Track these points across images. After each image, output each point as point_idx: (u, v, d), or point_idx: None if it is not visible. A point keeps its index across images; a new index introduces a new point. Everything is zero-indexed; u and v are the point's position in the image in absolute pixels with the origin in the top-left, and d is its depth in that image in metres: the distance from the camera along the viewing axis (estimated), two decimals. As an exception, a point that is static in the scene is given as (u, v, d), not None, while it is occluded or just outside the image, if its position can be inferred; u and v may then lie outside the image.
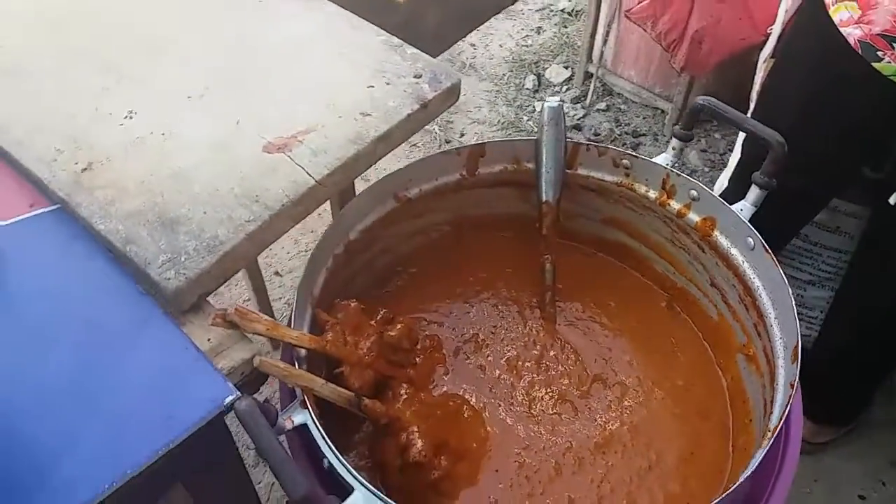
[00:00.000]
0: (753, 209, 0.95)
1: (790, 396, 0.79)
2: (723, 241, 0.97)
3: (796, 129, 0.99)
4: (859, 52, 1.01)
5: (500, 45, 2.85)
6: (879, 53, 0.99)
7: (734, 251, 0.96)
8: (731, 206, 0.94)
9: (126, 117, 0.92)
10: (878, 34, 0.99)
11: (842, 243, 1.49)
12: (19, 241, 0.83)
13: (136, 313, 0.78)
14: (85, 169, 0.86)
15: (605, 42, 2.37)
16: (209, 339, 0.77)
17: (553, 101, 1.01)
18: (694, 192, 0.98)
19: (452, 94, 1.00)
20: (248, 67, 1.01)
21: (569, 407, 0.99)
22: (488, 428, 0.97)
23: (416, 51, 1.03)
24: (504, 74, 2.77)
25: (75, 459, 0.67)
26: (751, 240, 0.92)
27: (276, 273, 2.30)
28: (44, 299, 0.79)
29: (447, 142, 2.49)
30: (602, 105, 2.62)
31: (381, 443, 0.89)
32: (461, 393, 1.00)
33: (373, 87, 0.97)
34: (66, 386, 0.72)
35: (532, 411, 0.99)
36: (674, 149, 1.01)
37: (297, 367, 0.82)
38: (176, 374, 0.73)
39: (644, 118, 2.58)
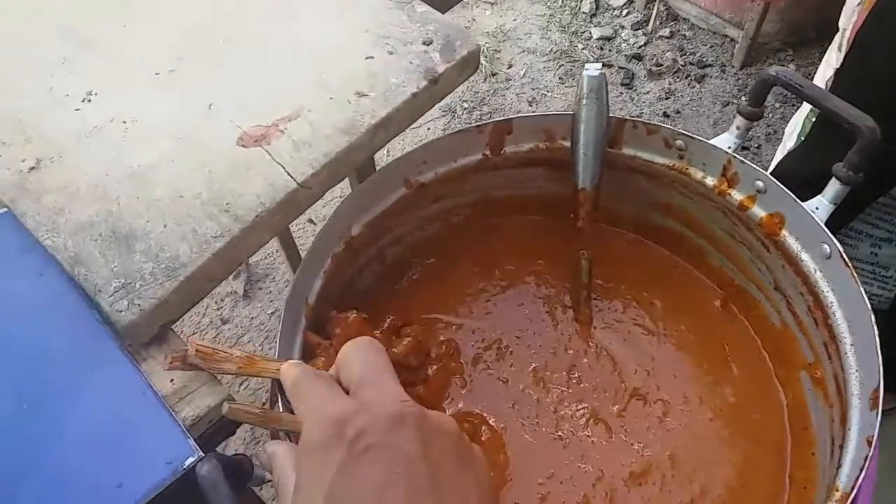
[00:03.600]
0: (832, 207, 0.78)
1: (867, 458, 0.64)
2: (792, 243, 0.81)
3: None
4: None
5: (553, -37, 2.60)
6: None
7: (805, 256, 0.79)
8: (804, 204, 0.77)
9: (84, 101, 0.79)
10: None
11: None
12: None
13: (89, 347, 0.67)
14: (33, 168, 0.74)
15: (668, -40, 2.10)
16: (172, 381, 0.66)
17: (593, 68, 0.83)
18: (760, 183, 0.81)
19: (469, 65, 0.83)
20: (230, 31, 0.86)
21: (602, 428, 0.87)
22: (508, 453, 0.85)
23: (427, 8, 0.86)
24: (557, -4, 2.53)
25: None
26: (827, 247, 0.76)
27: (310, 220, 2.20)
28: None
29: (493, 74, 2.30)
30: (665, 32, 2.38)
31: None
32: (479, 410, 0.88)
33: (372, 57, 0.81)
34: (1, 437, 0.62)
35: (559, 432, 0.87)
36: (738, 128, 0.83)
37: (283, 403, 0.70)
38: (129, 427, 0.63)
39: (711, 47, 2.34)
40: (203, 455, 0.61)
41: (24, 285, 0.71)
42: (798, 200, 0.77)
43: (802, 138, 1.52)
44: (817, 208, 0.78)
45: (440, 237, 0.99)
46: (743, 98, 0.83)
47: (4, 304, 0.70)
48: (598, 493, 0.82)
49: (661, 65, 2.26)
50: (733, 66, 2.22)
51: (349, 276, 0.91)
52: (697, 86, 2.27)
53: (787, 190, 0.78)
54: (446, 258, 0.99)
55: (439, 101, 0.84)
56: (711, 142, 0.82)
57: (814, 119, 1.46)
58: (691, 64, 2.26)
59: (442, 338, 0.93)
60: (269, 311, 2.11)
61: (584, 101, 0.84)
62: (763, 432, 0.86)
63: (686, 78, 2.27)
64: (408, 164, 0.87)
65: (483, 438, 0.86)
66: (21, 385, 0.65)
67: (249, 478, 0.65)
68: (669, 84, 2.28)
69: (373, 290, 0.95)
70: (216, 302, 2.10)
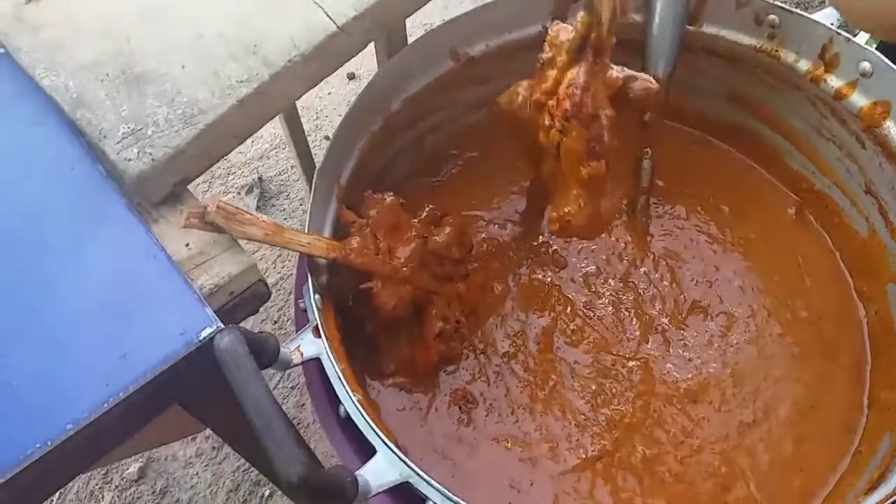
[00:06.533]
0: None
1: None
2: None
3: None
4: None
5: None
6: None
7: (912, 151, 0.69)
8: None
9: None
10: None
11: None
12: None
13: (91, 204, 0.58)
14: (29, 0, 0.63)
15: None
16: (187, 246, 0.57)
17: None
18: (866, 65, 0.70)
19: None
20: None
21: (658, 341, 0.78)
22: (551, 358, 0.77)
23: None
24: None
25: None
26: (943, 138, 0.66)
27: (326, 137, 2.09)
28: (-33, 180, 0.59)
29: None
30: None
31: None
32: (523, 318, 0.79)
33: None
34: (-13, 303, 0.54)
35: (609, 346, 0.78)
36: (844, 1, 0.73)
37: (315, 287, 0.62)
38: (137, 294, 0.55)
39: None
40: (223, 326, 0.52)
41: (19, 135, 0.61)
42: (912, 84, 0.67)
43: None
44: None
45: (485, 127, 0.88)
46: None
47: (-2, 155, 0.60)
48: (649, 409, 0.74)
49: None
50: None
51: (384, 161, 0.82)
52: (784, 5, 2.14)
53: (900, 71, 0.67)
54: (490, 151, 0.89)
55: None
56: (813, 17, 0.71)
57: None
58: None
59: (483, 236, 0.84)
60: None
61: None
62: (838, 350, 0.77)
63: None
64: (456, 31, 0.76)
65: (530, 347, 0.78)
66: (15, 244, 0.56)
67: (274, 359, 0.57)
68: None
69: (408, 183, 0.86)
70: (227, 217, 2.01)
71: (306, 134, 1.47)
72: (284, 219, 2.07)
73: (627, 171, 0.85)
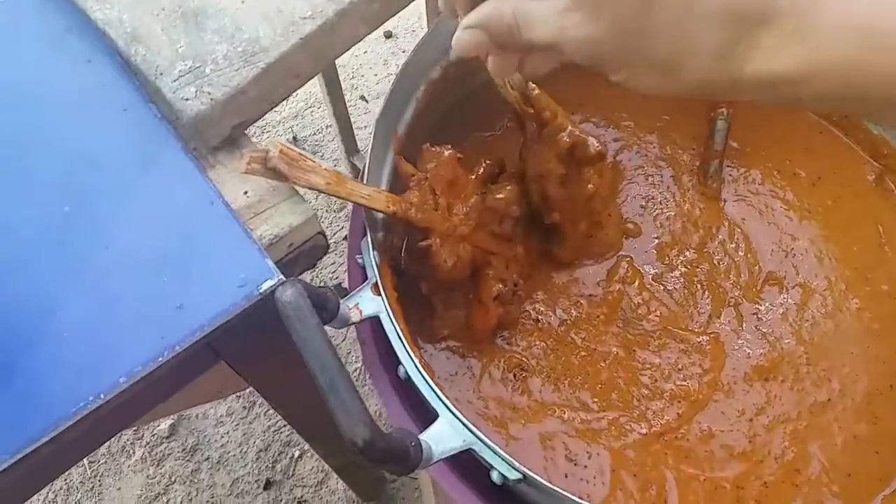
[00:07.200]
0: None
1: None
2: None
3: None
4: None
5: None
6: None
7: None
8: None
9: None
10: None
11: None
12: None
13: (144, 146, 0.55)
14: (81, -79, 0.60)
15: None
16: (245, 193, 0.54)
17: None
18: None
19: None
20: None
21: (731, 314, 0.74)
22: (614, 332, 0.73)
23: None
24: None
25: (37, 360, 0.46)
26: None
27: (362, 97, 2.06)
28: (17, 114, 0.56)
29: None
30: None
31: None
32: (587, 288, 0.75)
33: None
34: (38, 244, 0.51)
35: (678, 321, 0.74)
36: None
37: (373, 239, 0.58)
38: (193, 242, 0.51)
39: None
40: (284, 279, 0.49)
41: (69, 72, 0.58)
42: None
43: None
44: None
45: (545, 81, 0.83)
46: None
47: (47, 94, 0.57)
48: (720, 384, 0.70)
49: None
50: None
51: (440, 113, 0.78)
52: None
53: None
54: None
55: None
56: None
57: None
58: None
59: (544, 196, 0.80)
60: (313, 193, 2.00)
61: None
62: (922, 327, 0.73)
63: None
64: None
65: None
66: (65, 187, 0.53)
67: (334, 316, 0.53)
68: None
69: (467, 134, 0.82)
70: (259, 176, 1.98)
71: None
72: (318, 179, 2.03)
73: (700, 130, 0.80)
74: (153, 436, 1.38)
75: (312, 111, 1.93)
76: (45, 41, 0.59)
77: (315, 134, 2.03)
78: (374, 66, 1.91)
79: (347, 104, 2.12)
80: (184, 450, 1.38)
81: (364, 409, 0.43)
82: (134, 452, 1.37)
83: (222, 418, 1.41)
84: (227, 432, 1.40)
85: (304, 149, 2.11)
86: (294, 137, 1.98)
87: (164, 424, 1.38)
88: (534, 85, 0.66)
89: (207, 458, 1.37)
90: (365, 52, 2.01)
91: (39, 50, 0.58)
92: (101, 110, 0.56)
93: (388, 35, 2.02)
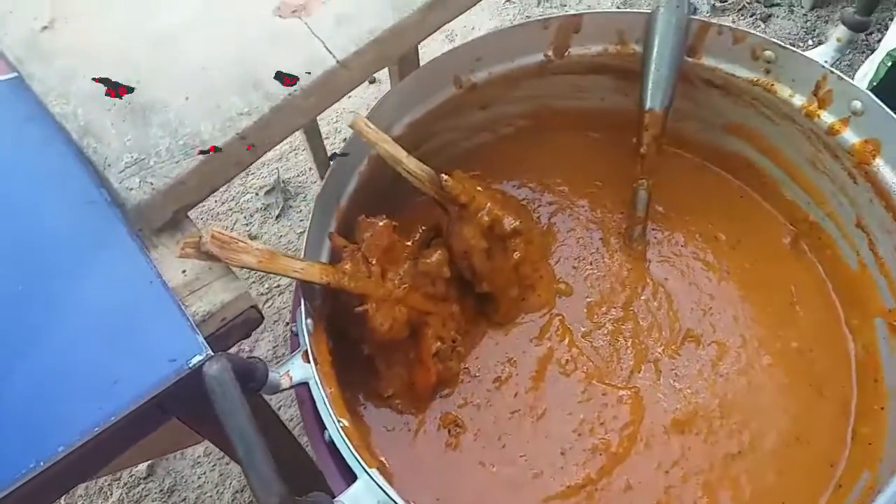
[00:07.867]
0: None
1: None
2: (886, 173, 0.71)
3: None
4: None
5: None
6: None
7: (902, 190, 0.70)
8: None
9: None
10: None
11: None
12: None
13: (94, 228, 0.60)
14: (46, 27, 0.66)
15: None
16: (184, 272, 0.59)
17: (676, -38, 0.73)
18: (857, 104, 0.71)
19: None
20: None
21: (650, 370, 0.79)
22: (544, 385, 0.78)
23: None
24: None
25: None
26: (932, 180, 0.66)
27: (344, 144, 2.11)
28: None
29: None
30: (735, -37, 2.21)
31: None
32: (521, 346, 0.81)
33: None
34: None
35: (602, 376, 0.79)
36: (838, 40, 0.74)
37: (307, 311, 0.64)
38: (132, 320, 0.57)
39: (782, -17, 2.16)
40: (212, 354, 0.55)
41: (28, 157, 0.64)
42: (903, 124, 0.68)
43: (874, 83, 1.39)
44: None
45: (486, 150, 0.90)
46: (849, 7, 0.72)
47: (3, 177, 0.63)
48: (637, 437, 0.75)
49: (726, 0, 2.11)
50: (802, 7, 2.06)
51: (384, 182, 0.83)
52: (762, 25, 2.13)
53: (890, 112, 0.68)
54: (490, 173, 0.90)
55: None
56: (807, 54, 0.72)
57: (889, 64, 1.33)
58: (758, 1, 2.11)
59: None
60: (298, 231, 2.04)
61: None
62: (826, 382, 0.78)
63: (751, 16, 2.11)
64: (460, 58, 0.78)
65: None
66: (19, 265, 0.59)
67: (263, 384, 0.59)
68: (733, 21, 2.13)
69: (407, 202, 0.87)
70: (245, 217, 2.03)
71: (325, 137, 1.48)
72: (301, 221, 2.10)
73: (627, 196, 0.86)
74: (131, 476, 1.41)
75: (297, 154, 1.98)
76: (6, 128, 0.65)
77: (299, 176, 2.09)
78: (357, 110, 1.97)
79: (332, 147, 2.19)
80: (161, 490, 1.41)
81: (277, 478, 0.48)
82: (112, 494, 1.40)
83: (199, 459, 1.45)
84: (205, 472, 1.43)
85: (287, 190, 2.17)
86: (278, 179, 2.04)
87: (142, 466, 1.42)
88: (445, 176, 0.71)
89: (185, 499, 1.41)
90: (349, 97, 2.07)
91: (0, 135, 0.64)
92: (55, 194, 0.61)
93: (372, 80, 2.09)
